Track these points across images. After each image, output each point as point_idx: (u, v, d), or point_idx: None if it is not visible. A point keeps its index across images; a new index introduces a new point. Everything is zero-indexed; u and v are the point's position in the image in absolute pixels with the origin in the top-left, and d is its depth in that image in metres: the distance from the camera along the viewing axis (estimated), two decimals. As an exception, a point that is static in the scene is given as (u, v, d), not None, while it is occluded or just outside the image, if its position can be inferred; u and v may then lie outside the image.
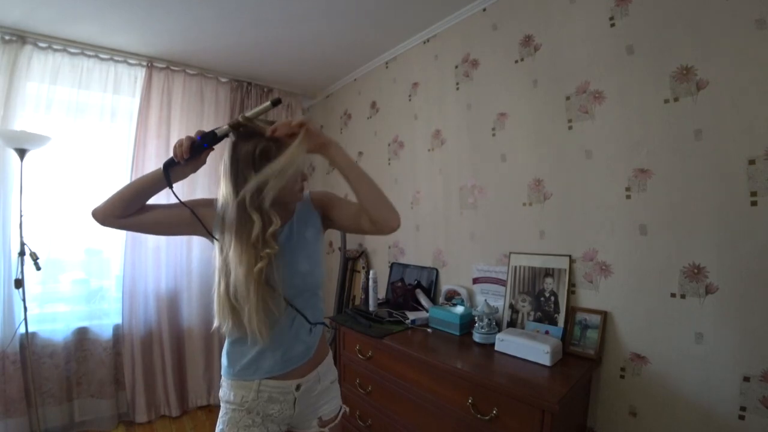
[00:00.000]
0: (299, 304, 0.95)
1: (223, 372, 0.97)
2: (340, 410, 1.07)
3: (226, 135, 0.88)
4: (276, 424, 0.96)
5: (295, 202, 0.99)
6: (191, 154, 0.86)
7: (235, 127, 0.86)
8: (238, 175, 0.86)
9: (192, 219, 0.91)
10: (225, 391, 0.96)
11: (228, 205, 0.87)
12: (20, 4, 1.83)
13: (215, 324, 0.91)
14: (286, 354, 0.94)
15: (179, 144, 0.86)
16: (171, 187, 0.88)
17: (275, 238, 0.87)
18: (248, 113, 0.86)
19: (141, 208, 0.89)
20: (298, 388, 0.96)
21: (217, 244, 0.90)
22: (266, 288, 0.87)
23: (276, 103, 0.88)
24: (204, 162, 0.91)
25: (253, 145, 0.86)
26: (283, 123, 0.85)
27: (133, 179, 0.89)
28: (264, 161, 0.84)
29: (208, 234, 0.92)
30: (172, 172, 0.87)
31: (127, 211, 0.87)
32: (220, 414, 0.97)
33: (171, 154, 0.88)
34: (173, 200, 0.92)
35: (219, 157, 0.93)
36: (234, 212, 0.86)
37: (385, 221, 0.93)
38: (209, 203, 0.94)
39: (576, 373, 1.24)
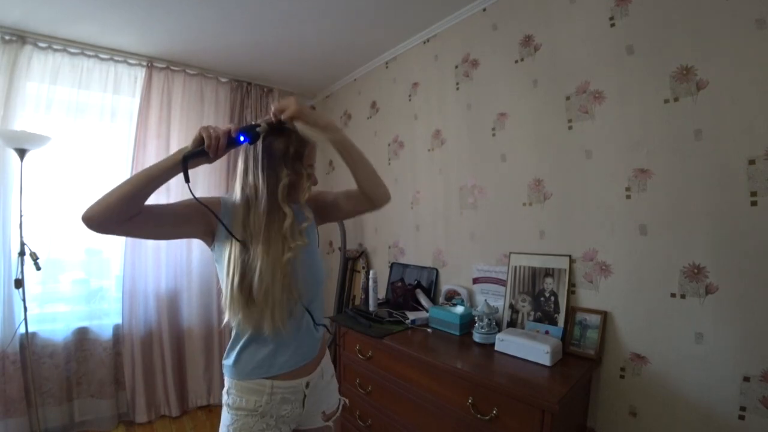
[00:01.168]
0: (307, 299, 0.97)
1: (230, 374, 0.93)
2: (339, 403, 1.11)
3: (264, 133, 0.87)
4: (287, 425, 0.96)
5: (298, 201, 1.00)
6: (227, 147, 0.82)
7: (274, 126, 0.87)
8: (268, 169, 0.87)
9: (200, 217, 0.87)
10: (234, 399, 0.91)
11: (257, 197, 0.88)
12: (20, 4, 1.83)
13: (225, 319, 0.91)
14: (299, 348, 0.96)
15: (214, 137, 0.78)
16: (188, 182, 0.79)
17: (303, 233, 0.90)
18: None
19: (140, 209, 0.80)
20: (307, 385, 0.97)
21: (233, 240, 0.88)
22: (295, 287, 0.89)
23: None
24: (224, 154, 0.85)
25: (285, 143, 0.88)
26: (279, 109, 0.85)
27: (133, 173, 0.81)
28: (297, 160, 0.89)
29: (229, 233, 0.87)
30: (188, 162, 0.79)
31: (131, 209, 0.76)
32: (227, 422, 0.92)
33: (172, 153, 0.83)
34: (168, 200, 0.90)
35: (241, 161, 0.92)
36: (265, 206, 0.87)
37: (379, 195, 1.00)
38: (215, 202, 0.91)
39: (576, 373, 1.24)
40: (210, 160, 0.83)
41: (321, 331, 1.04)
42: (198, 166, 0.84)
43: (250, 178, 0.89)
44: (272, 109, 0.86)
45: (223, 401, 0.95)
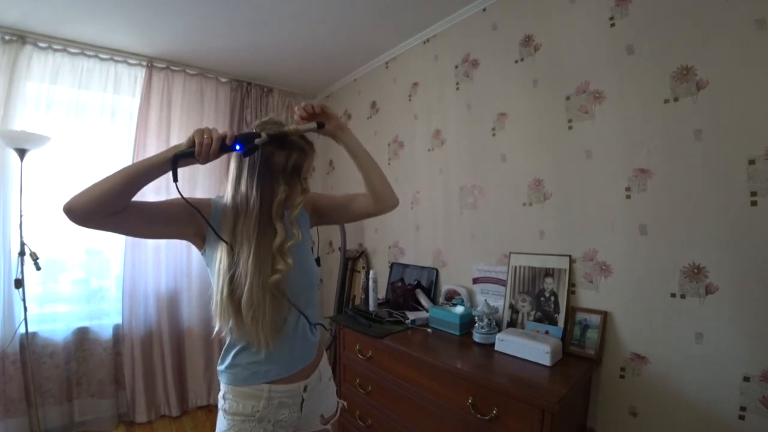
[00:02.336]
0: (302, 303, 0.95)
1: (226, 380, 0.92)
2: (338, 405, 1.10)
3: (263, 143, 0.82)
4: (285, 429, 0.94)
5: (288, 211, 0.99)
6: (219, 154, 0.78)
7: (275, 138, 0.83)
8: (264, 181, 0.84)
9: (188, 218, 0.84)
10: (231, 404, 0.90)
11: (247, 208, 0.84)
12: (20, 4, 1.83)
13: (216, 328, 0.89)
14: (296, 353, 0.95)
15: (206, 144, 0.75)
16: (176, 182, 0.76)
17: (291, 251, 0.87)
18: (293, 128, 0.85)
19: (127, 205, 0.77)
20: (305, 389, 0.96)
21: (222, 245, 0.85)
22: (281, 300, 0.87)
23: (321, 125, 0.91)
24: (217, 158, 0.82)
25: (285, 156, 0.84)
26: (306, 105, 0.90)
27: (121, 168, 0.75)
28: (295, 175, 0.86)
29: (215, 234, 0.85)
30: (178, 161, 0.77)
31: (116, 205, 0.73)
32: (223, 428, 0.90)
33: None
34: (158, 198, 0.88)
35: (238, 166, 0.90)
36: (256, 218, 0.84)
37: (387, 199, 1.02)
38: (205, 204, 0.90)
39: (576, 373, 1.24)
40: (201, 162, 0.79)
41: (318, 333, 1.03)
42: (191, 165, 0.80)
43: (243, 186, 0.85)
44: (304, 107, 0.90)
45: (219, 406, 0.93)
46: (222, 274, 0.85)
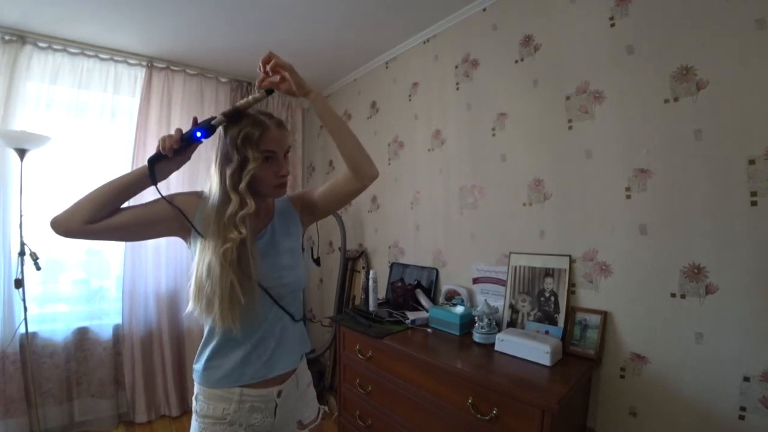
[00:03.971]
0: (285, 303, 0.94)
1: (199, 380, 0.91)
2: (319, 412, 1.07)
3: (221, 124, 0.86)
4: None
5: (273, 197, 0.98)
6: (181, 145, 0.82)
7: (229, 116, 0.85)
8: (223, 157, 0.86)
9: (172, 214, 0.86)
10: (202, 405, 0.89)
11: (213, 190, 0.87)
12: (20, 4, 1.83)
13: (188, 308, 0.87)
14: (272, 357, 0.92)
15: (167, 138, 0.81)
16: (156, 185, 0.83)
17: (245, 222, 0.85)
18: (241, 102, 0.86)
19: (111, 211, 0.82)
20: (279, 394, 0.94)
21: (200, 237, 0.86)
22: (247, 282, 0.84)
23: (270, 92, 0.89)
24: (188, 158, 0.88)
25: (237, 129, 0.85)
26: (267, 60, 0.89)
27: (105, 182, 0.82)
28: (246, 145, 0.84)
29: (189, 224, 0.87)
30: (156, 169, 0.83)
31: (98, 214, 0.79)
32: (195, 430, 0.90)
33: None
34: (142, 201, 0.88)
35: (212, 153, 0.92)
36: (217, 196, 0.85)
37: (364, 169, 0.98)
38: (194, 194, 0.91)
39: (576, 373, 1.24)
40: (176, 163, 0.85)
41: (308, 346, 1.02)
42: (170, 174, 0.87)
43: (211, 170, 0.89)
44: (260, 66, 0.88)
45: (192, 407, 0.92)
46: (198, 255, 0.87)
